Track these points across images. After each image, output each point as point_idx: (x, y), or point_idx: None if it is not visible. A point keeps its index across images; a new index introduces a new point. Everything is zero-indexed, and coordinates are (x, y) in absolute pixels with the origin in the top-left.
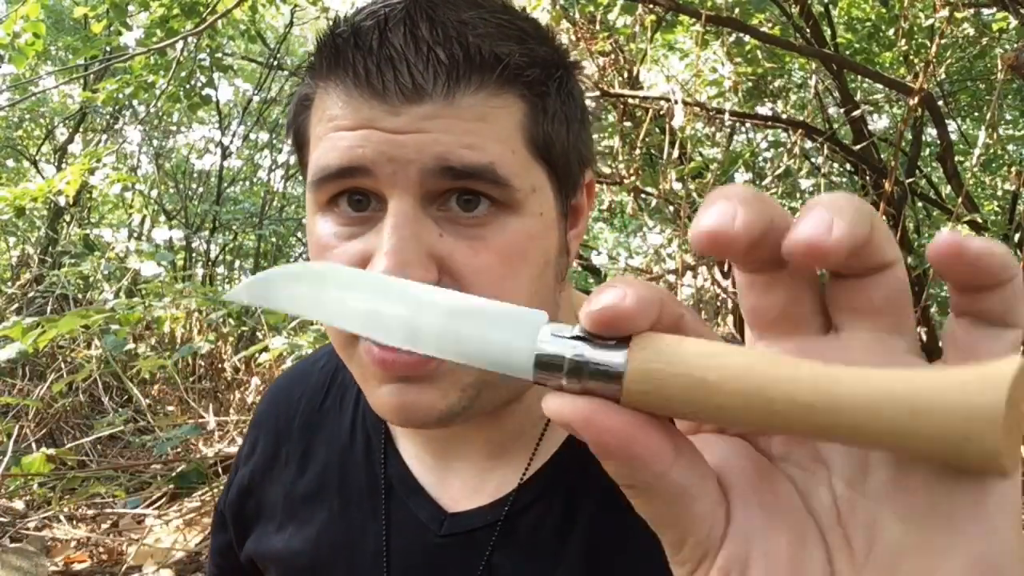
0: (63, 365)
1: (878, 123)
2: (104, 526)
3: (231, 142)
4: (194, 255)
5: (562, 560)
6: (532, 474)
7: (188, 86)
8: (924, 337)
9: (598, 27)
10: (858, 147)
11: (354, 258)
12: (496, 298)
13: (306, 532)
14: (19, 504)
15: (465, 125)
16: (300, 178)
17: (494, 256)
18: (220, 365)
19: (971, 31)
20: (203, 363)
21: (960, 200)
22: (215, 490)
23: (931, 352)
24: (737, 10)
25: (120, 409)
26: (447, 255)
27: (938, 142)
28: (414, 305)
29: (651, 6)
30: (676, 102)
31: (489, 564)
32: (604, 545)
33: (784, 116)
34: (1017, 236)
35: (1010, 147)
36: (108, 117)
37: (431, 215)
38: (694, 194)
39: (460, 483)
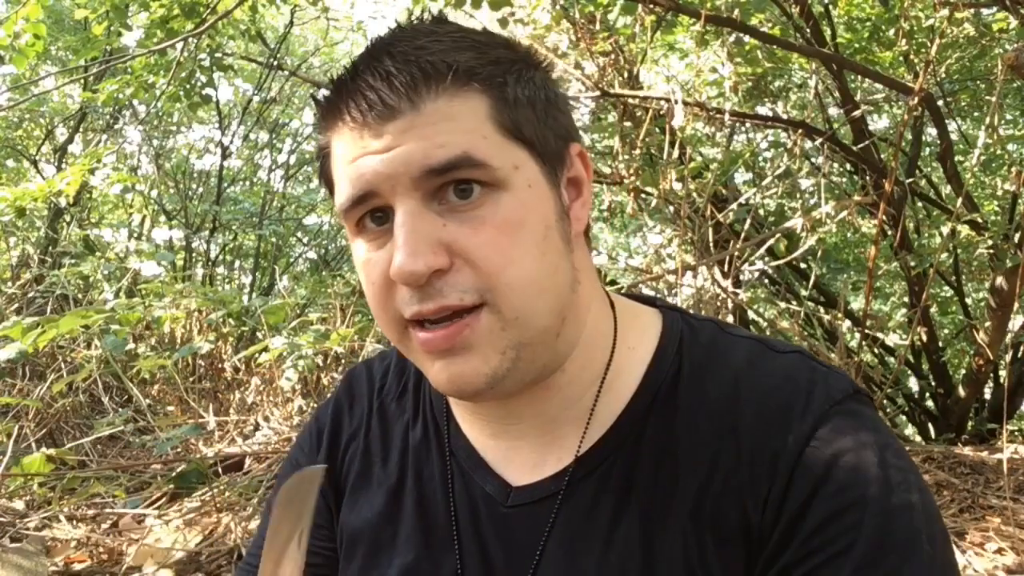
0: (63, 365)
1: (878, 123)
2: (104, 526)
3: (231, 142)
4: (194, 255)
5: (621, 520)
6: (592, 445)
7: (188, 86)
8: (924, 337)
9: (598, 27)
10: (858, 147)
11: (383, 263)
12: (505, 265)
13: (374, 504)
14: (19, 504)
15: (434, 128)
16: (299, 178)
17: (493, 230)
18: (220, 365)
19: (971, 31)
20: (203, 363)
21: (960, 200)
22: (215, 490)
23: (931, 352)
24: (737, 10)
25: (120, 409)
26: (453, 240)
27: (938, 142)
28: None
29: (651, 6)
30: (676, 102)
31: (553, 530)
32: (658, 503)
33: (784, 116)
34: (1017, 236)
35: (1010, 147)
36: (108, 117)
37: (433, 210)
38: (694, 194)
39: (521, 461)
